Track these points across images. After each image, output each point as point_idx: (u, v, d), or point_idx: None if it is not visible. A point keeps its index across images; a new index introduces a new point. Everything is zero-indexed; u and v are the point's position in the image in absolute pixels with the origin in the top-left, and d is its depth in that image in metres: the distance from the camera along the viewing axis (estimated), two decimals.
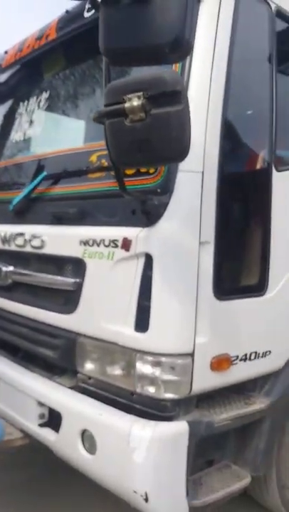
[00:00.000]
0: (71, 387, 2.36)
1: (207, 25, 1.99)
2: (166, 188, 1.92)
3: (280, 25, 2.33)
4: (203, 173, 1.93)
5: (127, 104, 1.54)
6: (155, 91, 1.51)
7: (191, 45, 1.57)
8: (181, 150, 1.58)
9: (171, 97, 1.51)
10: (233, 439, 2.41)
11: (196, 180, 1.92)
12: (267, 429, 2.35)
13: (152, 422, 1.92)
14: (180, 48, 1.48)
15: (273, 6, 2.27)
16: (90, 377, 2.26)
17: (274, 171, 2.24)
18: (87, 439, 2.11)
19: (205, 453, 2.30)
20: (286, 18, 2.35)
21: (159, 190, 1.94)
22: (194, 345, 1.95)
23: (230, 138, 2.09)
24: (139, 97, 1.52)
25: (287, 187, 2.33)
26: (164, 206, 1.91)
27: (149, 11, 1.46)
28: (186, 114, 1.54)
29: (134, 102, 1.52)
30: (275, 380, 2.40)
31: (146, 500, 1.88)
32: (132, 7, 1.49)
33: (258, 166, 2.25)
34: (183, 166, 1.90)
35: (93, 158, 2.29)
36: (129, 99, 1.53)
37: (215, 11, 2.01)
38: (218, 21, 2.00)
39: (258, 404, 2.29)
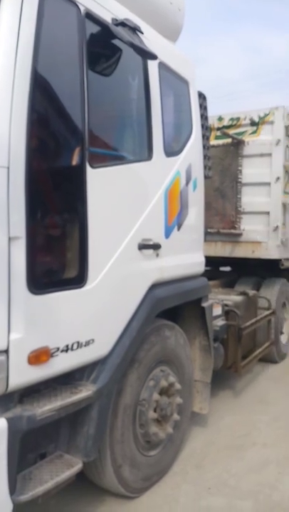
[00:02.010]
0: None
1: (9, 22, 1.98)
2: None
3: (90, 26, 2.42)
4: (8, 168, 1.91)
5: None
6: None
7: None
8: None
9: None
10: (65, 429, 2.47)
11: (1, 175, 1.90)
12: (96, 415, 2.46)
13: None
14: None
15: (82, 9, 2.35)
16: None
17: (88, 167, 2.33)
18: None
19: (36, 447, 2.33)
20: (95, 20, 2.45)
21: None
22: (8, 341, 1.94)
23: (39, 134, 2.12)
24: None
25: (103, 182, 2.45)
26: None
27: None
28: None
29: None
30: (102, 367, 2.52)
31: None
32: None
33: (71, 163, 2.31)
34: None
35: None
36: None
37: (17, 8, 2.00)
38: (20, 18, 2.01)
39: (85, 392, 2.37)
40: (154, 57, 2.71)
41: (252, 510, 2.97)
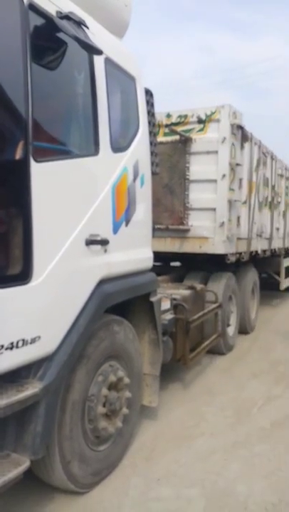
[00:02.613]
0: None
1: None
2: None
3: (34, 18, 2.38)
4: None
5: None
6: None
7: None
8: None
9: None
10: (12, 427, 2.43)
11: None
12: (43, 412, 2.43)
13: None
14: None
15: (25, 0, 2.31)
16: None
17: (32, 161, 2.30)
18: None
19: None
20: (39, 12, 2.41)
21: None
22: None
23: None
24: None
25: (47, 177, 2.43)
26: None
27: None
28: None
29: None
30: (49, 363, 2.50)
31: None
32: None
33: (14, 156, 2.26)
34: None
35: None
36: None
37: None
38: None
39: (31, 389, 2.34)
40: (99, 52, 2.71)
41: (199, 497, 3.06)
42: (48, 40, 2.49)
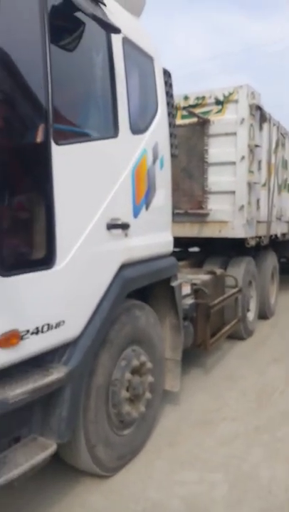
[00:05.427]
0: None
1: None
2: None
3: None
4: None
5: None
6: None
7: None
8: None
9: None
10: (38, 412, 2.44)
11: None
12: (68, 397, 2.44)
13: None
14: None
15: None
16: None
17: (53, 144, 2.26)
18: None
19: (10, 431, 2.30)
20: None
21: None
22: None
23: (2, 112, 2.03)
24: None
25: (68, 160, 2.39)
26: None
27: None
28: None
29: None
30: (73, 348, 2.50)
31: None
32: None
33: (35, 140, 2.23)
34: None
35: None
36: None
37: None
38: None
39: (56, 374, 2.34)
40: (117, 30, 2.63)
41: (223, 482, 3.06)
42: (66, 21, 2.44)
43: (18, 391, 2.11)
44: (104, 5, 2.63)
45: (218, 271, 5.70)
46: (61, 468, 2.96)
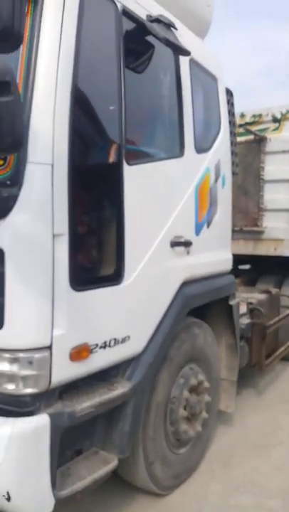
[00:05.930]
0: None
1: (52, 20, 1.99)
2: (16, 180, 1.88)
3: (126, 23, 2.42)
4: (53, 165, 1.92)
5: None
6: None
7: (20, 35, 1.54)
8: (13, 142, 1.58)
9: None
10: (101, 425, 2.47)
11: (46, 173, 1.91)
12: (131, 412, 2.46)
13: (11, 419, 1.89)
14: (9, 37, 1.46)
15: (119, 5, 2.34)
16: None
17: (125, 164, 2.33)
18: None
19: (73, 443, 2.34)
20: (131, 16, 2.44)
21: (8, 183, 1.89)
22: (52, 338, 1.95)
23: (81, 132, 2.12)
24: None
25: (138, 180, 2.45)
26: (13, 199, 1.87)
27: None
28: (17, 105, 1.53)
29: None
30: (136, 363, 2.52)
31: (9, 499, 1.85)
32: None
33: (109, 160, 2.31)
34: (33, 157, 1.89)
35: None
36: None
37: (60, 6, 2.01)
38: (63, 16, 2.01)
39: (121, 388, 2.37)
40: (187, 53, 2.70)
41: (282, 508, 2.95)
42: (139, 44, 2.52)
43: (85, 404, 2.15)
44: (176, 29, 2.69)
45: (274, 290, 5.58)
46: (117, 484, 2.96)
